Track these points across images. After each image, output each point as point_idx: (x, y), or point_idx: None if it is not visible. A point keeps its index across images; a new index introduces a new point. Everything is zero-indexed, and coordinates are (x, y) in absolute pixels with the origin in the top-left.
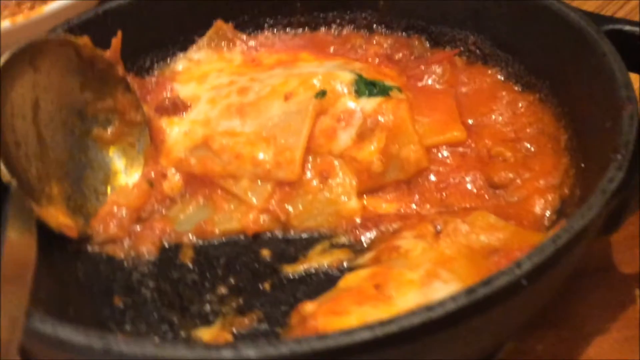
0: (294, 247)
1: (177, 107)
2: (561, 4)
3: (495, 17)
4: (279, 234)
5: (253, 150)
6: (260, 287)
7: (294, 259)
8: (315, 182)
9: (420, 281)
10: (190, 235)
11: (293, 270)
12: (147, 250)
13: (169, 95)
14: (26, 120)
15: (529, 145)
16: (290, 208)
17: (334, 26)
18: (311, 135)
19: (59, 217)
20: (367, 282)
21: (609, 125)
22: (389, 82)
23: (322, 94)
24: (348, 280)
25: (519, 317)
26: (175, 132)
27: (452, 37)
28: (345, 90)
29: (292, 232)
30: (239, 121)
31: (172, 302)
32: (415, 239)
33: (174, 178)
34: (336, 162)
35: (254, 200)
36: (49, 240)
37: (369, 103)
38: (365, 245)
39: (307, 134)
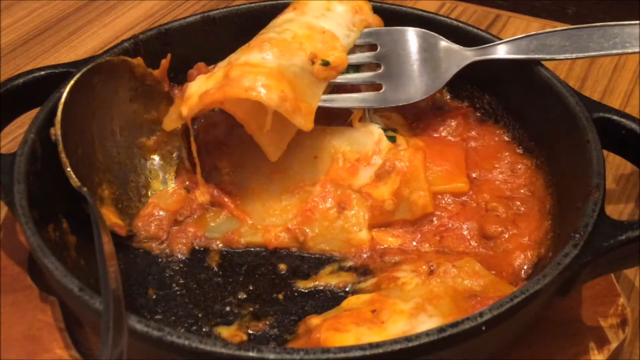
0: (308, 264)
1: None
2: (563, 86)
3: (510, 85)
4: (295, 251)
5: (277, 84)
6: (275, 296)
7: (306, 276)
8: (333, 211)
9: (410, 312)
10: (218, 242)
11: (304, 285)
12: (180, 251)
13: None
14: (84, 129)
15: (520, 205)
16: (308, 230)
17: None
18: (336, 169)
19: (111, 217)
20: (366, 306)
21: (579, 205)
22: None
23: None
24: (350, 302)
25: (481, 354)
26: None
27: (472, 93)
28: None
29: (307, 252)
30: (259, 54)
31: (197, 300)
32: (412, 274)
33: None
34: (354, 196)
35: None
36: None
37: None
38: (369, 271)
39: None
